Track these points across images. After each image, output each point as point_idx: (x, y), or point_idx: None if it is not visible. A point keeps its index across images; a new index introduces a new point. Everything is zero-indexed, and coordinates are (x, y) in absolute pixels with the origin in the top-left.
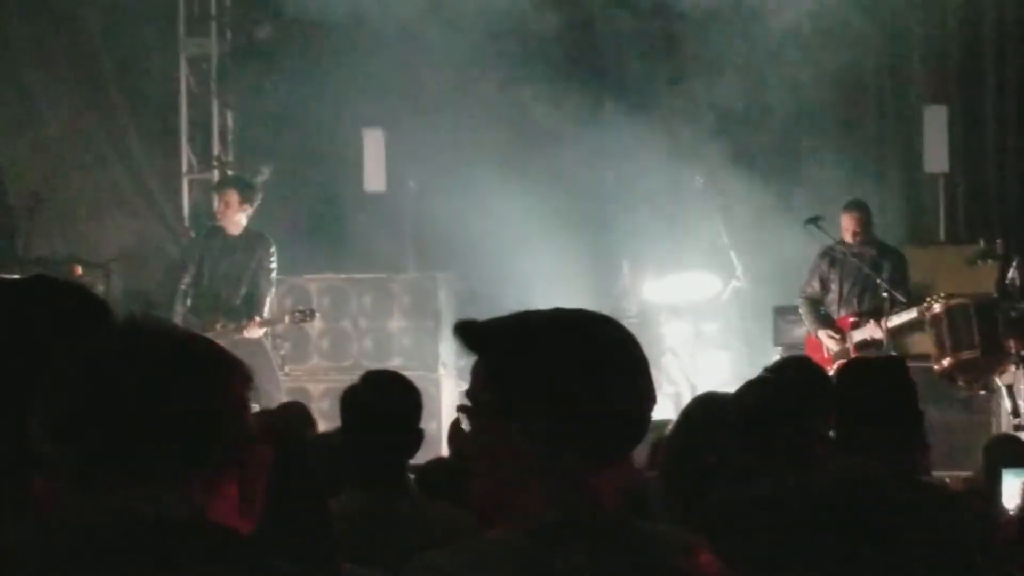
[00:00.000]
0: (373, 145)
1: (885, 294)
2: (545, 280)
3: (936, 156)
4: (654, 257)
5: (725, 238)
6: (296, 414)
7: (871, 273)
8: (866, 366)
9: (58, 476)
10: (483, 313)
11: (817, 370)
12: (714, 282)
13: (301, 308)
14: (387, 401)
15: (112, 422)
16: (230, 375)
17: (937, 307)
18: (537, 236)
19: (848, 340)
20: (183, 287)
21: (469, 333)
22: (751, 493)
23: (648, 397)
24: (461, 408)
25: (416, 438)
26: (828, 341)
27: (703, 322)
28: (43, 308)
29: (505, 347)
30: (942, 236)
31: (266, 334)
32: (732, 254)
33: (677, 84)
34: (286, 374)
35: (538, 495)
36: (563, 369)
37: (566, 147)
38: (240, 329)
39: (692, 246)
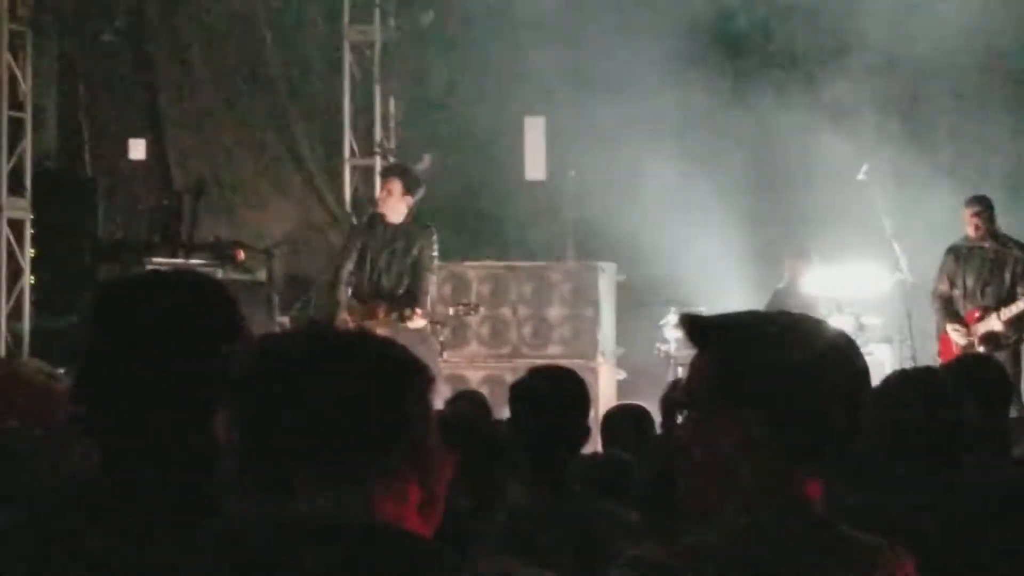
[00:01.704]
0: (534, 133)
1: (1008, 287)
2: (705, 270)
3: None
4: (816, 248)
5: (888, 229)
6: (475, 404)
7: (993, 267)
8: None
9: (242, 476)
10: (642, 302)
11: (990, 367)
12: (878, 274)
13: (465, 302)
14: (558, 396)
15: (302, 426)
16: (415, 378)
17: None
18: (698, 225)
19: (973, 333)
20: (345, 273)
21: (697, 327)
22: (911, 500)
23: (863, 407)
24: (678, 402)
25: (584, 433)
26: (955, 335)
27: (866, 315)
28: (171, 300)
29: (734, 344)
30: None
31: (430, 323)
32: (895, 245)
33: (845, 68)
34: (444, 360)
35: (750, 493)
36: (791, 372)
37: (728, 134)
38: (403, 318)
39: (855, 237)
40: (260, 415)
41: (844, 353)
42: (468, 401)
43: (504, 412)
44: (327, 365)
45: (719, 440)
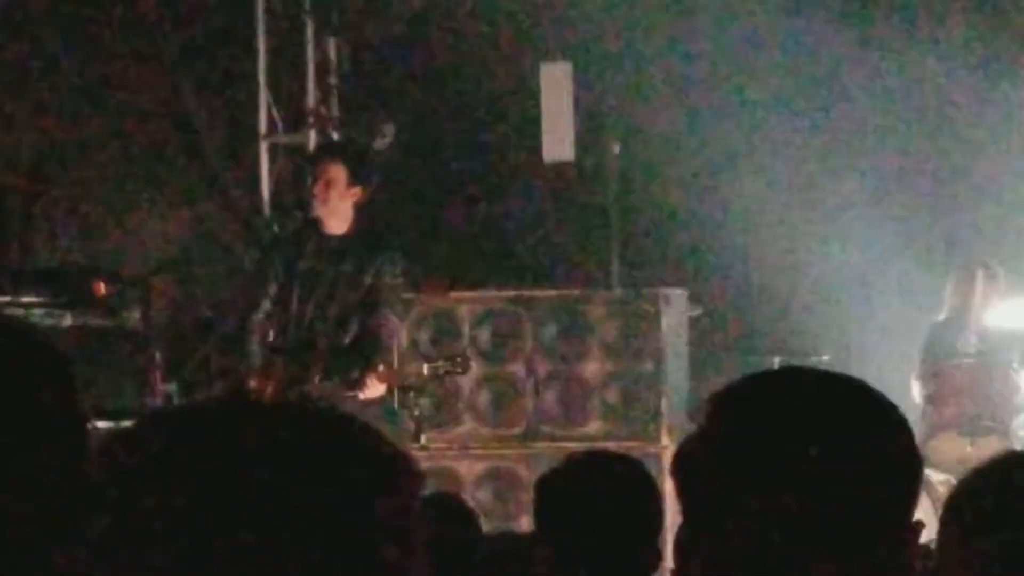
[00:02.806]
0: (556, 88)
1: None
2: (826, 300)
3: None
4: (1004, 264)
5: None
6: (449, 513)
7: None
8: None
9: None
10: (729, 348)
11: None
12: None
13: (449, 355)
14: (611, 500)
15: (232, 538)
16: (393, 478)
17: None
18: (814, 232)
19: None
20: (260, 314)
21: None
22: None
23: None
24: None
25: (652, 555)
26: None
27: None
28: None
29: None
30: None
31: (391, 391)
32: None
33: None
34: (423, 447)
35: None
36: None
37: (862, 91)
38: (351, 385)
39: None
40: (137, 549)
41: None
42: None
43: (515, 523)
44: (247, 467)
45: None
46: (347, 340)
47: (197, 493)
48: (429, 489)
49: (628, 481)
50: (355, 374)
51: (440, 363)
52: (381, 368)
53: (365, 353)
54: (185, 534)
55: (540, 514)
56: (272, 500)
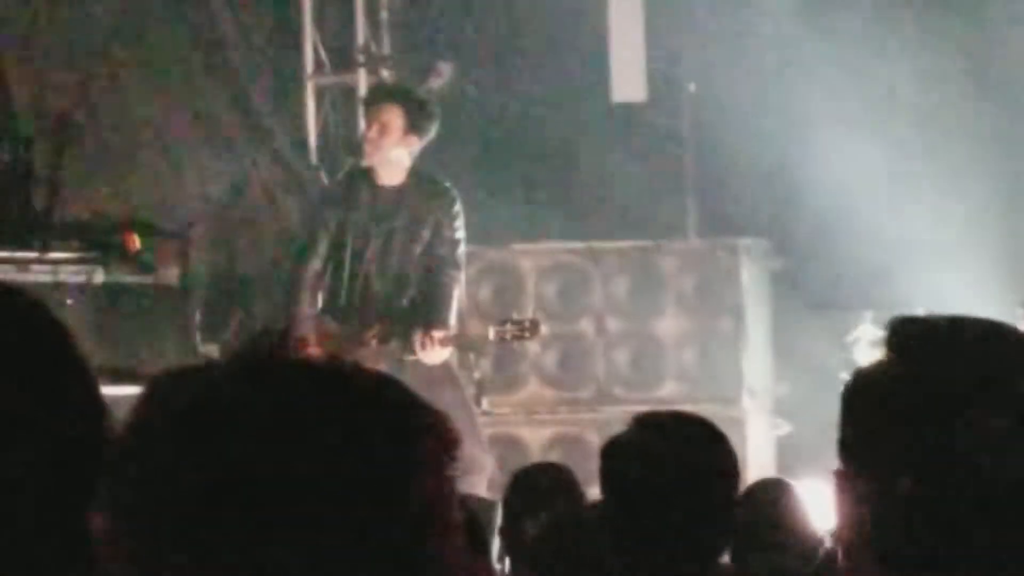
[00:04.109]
0: (626, 22)
1: None
2: (922, 255)
3: None
4: None
5: None
6: (558, 483)
7: None
8: None
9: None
10: (817, 304)
11: None
12: None
13: (517, 318)
14: (684, 465)
15: (226, 513)
16: (421, 437)
17: None
18: (906, 182)
19: None
20: (310, 271)
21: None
22: None
23: None
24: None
25: (726, 528)
26: None
27: None
28: None
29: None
30: None
31: (453, 354)
32: None
33: None
34: (485, 412)
35: None
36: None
37: (969, 33)
38: (409, 348)
39: None
40: (155, 515)
41: None
42: (547, 480)
43: (585, 494)
44: (271, 426)
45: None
46: (405, 300)
47: (205, 468)
48: (494, 456)
49: (704, 444)
50: (418, 336)
51: (508, 327)
52: (439, 332)
53: (425, 314)
54: (195, 507)
55: (607, 483)
56: (283, 483)
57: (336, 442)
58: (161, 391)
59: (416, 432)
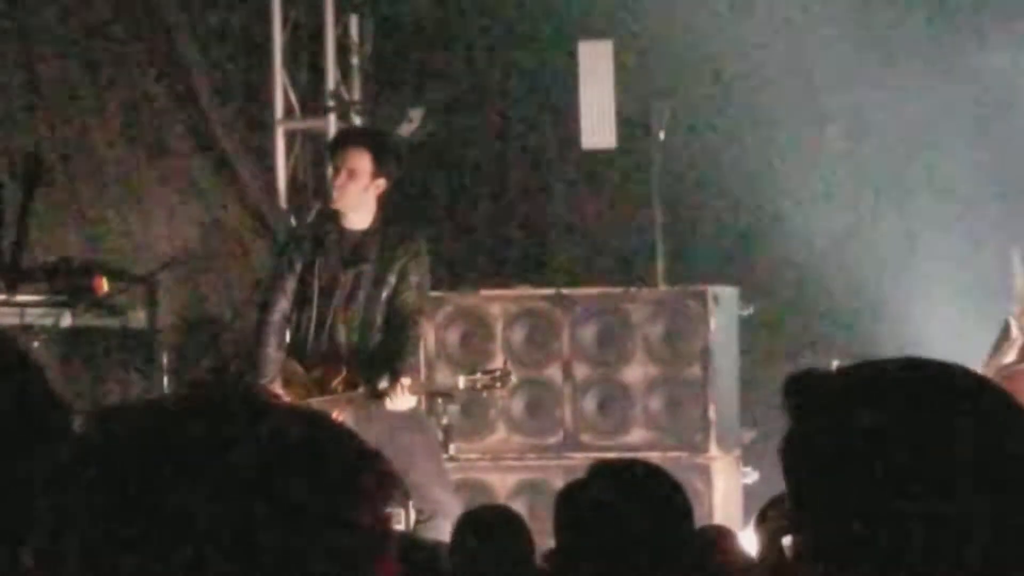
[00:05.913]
0: (595, 69)
1: None
2: (896, 300)
3: None
4: None
5: None
6: (508, 531)
7: None
8: None
9: None
10: (785, 352)
11: None
12: None
13: (488, 368)
14: (638, 514)
15: (167, 548)
16: (359, 475)
17: None
18: (884, 220)
19: None
20: (277, 312)
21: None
22: None
23: None
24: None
25: (678, 571)
26: None
27: None
28: None
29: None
30: None
31: (421, 399)
32: None
33: None
34: (452, 458)
35: None
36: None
37: (957, 61)
38: (377, 395)
39: None
40: (98, 541)
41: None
42: (498, 527)
43: (550, 540)
44: (202, 462)
45: None
46: (371, 345)
47: (110, 499)
48: (462, 501)
49: (660, 494)
50: (382, 383)
51: (479, 376)
52: (405, 380)
53: (392, 360)
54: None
55: (559, 530)
56: (219, 516)
57: (283, 471)
58: (89, 427)
59: (355, 464)
